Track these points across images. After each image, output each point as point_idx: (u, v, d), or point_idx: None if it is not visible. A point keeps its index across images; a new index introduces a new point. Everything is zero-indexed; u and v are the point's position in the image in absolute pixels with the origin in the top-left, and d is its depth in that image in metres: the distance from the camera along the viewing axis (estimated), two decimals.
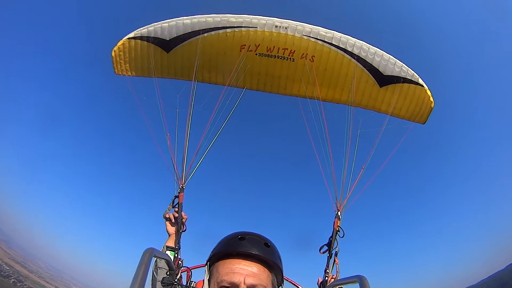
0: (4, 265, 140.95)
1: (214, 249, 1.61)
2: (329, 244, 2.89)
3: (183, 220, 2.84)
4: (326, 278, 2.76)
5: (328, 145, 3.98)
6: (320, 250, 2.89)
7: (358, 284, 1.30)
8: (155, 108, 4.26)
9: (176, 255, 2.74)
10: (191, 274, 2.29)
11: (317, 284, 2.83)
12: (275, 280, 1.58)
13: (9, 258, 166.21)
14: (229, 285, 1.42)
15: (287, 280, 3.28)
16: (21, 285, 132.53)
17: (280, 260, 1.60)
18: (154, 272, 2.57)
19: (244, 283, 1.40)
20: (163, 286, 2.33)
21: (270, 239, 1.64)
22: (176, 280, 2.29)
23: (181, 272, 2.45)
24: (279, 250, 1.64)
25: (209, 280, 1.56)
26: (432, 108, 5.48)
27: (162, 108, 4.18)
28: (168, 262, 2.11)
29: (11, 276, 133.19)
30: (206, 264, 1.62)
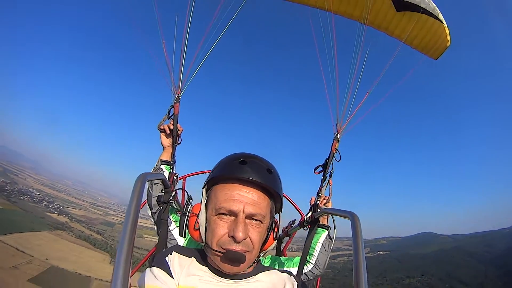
0: (34, 192, 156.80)
1: (212, 171, 1.51)
2: (325, 166, 2.79)
3: (179, 132, 2.72)
4: (318, 200, 2.71)
5: (335, 58, 3.52)
6: (315, 170, 2.80)
7: (349, 220, 1.19)
8: (153, 14, 3.55)
9: (171, 169, 2.68)
10: (190, 197, 1.90)
11: (309, 203, 2.82)
12: (274, 207, 1.53)
13: (38, 184, 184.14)
14: (227, 213, 1.37)
15: (285, 198, 3.39)
16: (52, 206, 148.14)
17: (281, 187, 1.53)
18: (149, 188, 2.56)
19: (243, 212, 1.35)
20: (158, 204, 2.25)
21: (271, 162, 1.55)
22: (171, 197, 2.20)
23: (176, 188, 2.36)
24: (280, 175, 1.54)
25: (206, 204, 1.49)
26: (447, 47, 5.05)
27: (157, 11, 3.55)
28: (163, 180, 2.01)
29: (43, 200, 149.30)
30: (204, 187, 1.54)
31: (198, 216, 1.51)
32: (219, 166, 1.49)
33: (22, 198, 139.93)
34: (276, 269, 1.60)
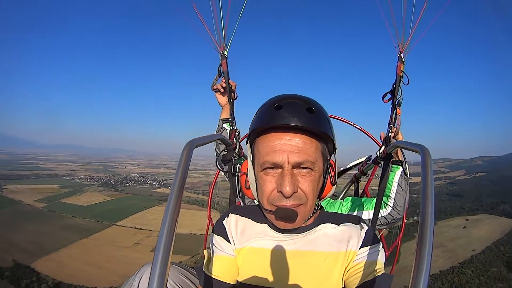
0: (136, 176, 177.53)
1: (251, 124, 1.33)
2: (393, 92, 2.42)
3: (232, 87, 2.59)
4: (390, 133, 2.36)
5: None
6: (383, 98, 2.49)
7: (419, 154, 1.03)
8: None
9: (231, 126, 2.55)
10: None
11: (380, 138, 2.55)
12: (326, 149, 1.29)
13: (138, 168, 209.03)
14: (272, 166, 1.21)
15: (357, 128, 3.20)
16: (156, 182, 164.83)
17: (329, 124, 1.28)
18: (216, 149, 2.61)
19: (288, 162, 1.17)
20: (223, 163, 2.18)
21: (315, 99, 1.29)
22: (235, 153, 2.14)
23: (239, 143, 2.27)
24: (326, 111, 1.30)
25: (252, 161, 1.34)
26: None
27: None
28: (222, 139, 1.88)
29: (147, 180, 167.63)
30: (247, 143, 1.40)
31: (247, 174, 1.41)
32: (255, 117, 1.32)
33: (127, 184, 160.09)
34: (342, 216, 1.45)
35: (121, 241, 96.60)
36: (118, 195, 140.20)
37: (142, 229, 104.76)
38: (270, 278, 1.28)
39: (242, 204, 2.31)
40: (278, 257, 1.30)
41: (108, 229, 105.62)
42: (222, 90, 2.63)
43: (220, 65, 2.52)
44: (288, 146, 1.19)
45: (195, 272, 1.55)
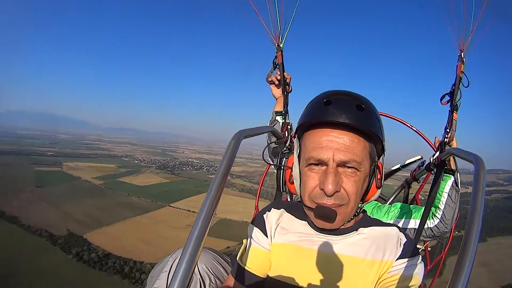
0: (194, 161, 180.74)
1: (299, 118, 1.31)
2: (452, 94, 2.24)
3: (287, 80, 2.55)
4: (446, 138, 2.20)
5: None
6: (441, 100, 2.31)
7: (473, 164, 1.02)
8: None
9: (284, 119, 2.57)
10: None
11: (434, 143, 2.47)
12: (374, 150, 1.24)
13: (196, 153, 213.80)
14: (317, 162, 1.18)
15: (413, 129, 3.02)
16: (212, 169, 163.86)
17: (380, 124, 1.23)
18: (268, 141, 2.57)
19: (333, 160, 1.15)
20: (274, 156, 2.28)
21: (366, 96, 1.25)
22: (286, 147, 2.16)
23: (291, 137, 2.21)
24: (377, 109, 1.25)
25: (299, 155, 1.31)
26: None
27: None
28: (273, 132, 1.96)
29: (203, 166, 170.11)
30: (295, 137, 1.37)
31: (292, 168, 1.40)
32: (304, 111, 1.30)
33: (184, 169, 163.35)
34: (383, 223, 1.38)
35: (174, 221, 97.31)
36: (174, 178, 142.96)
37: (194, 212, 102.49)
38: (300, 277, 1.26)
39: (288, 199, 2.32)
40: (312, 257, 1.27)
41: (162, 209, 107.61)
42: (276, 82, 2.60)
43: (276, 57, 2.50)
44: (335, 143, 1.16)
45: (229, 260, 1.61)
